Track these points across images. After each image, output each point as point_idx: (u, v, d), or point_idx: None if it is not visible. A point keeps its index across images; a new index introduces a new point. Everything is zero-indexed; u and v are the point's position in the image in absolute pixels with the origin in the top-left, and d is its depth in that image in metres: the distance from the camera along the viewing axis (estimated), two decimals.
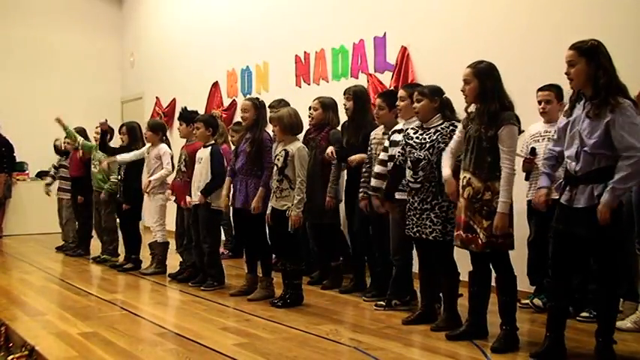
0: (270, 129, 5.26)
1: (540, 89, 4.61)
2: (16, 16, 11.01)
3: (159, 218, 6.42)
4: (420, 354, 3.73)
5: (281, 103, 6.14)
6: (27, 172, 10.63)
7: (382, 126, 4.93)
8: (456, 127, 4.03)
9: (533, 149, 4.59)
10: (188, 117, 6.01)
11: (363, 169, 5.03)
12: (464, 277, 4.09)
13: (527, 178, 4.68)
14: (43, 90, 10.90)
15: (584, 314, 4.27)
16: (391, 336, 4.03)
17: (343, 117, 5.63)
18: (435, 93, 4.23)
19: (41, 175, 10.66)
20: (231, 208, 5.76)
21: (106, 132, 7.03)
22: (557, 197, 3.49)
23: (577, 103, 3.35)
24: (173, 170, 6.24)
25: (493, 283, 3.91)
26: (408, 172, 4.23)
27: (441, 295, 4.30)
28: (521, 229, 4.69)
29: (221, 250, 6.32)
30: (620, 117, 3.15)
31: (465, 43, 5.65)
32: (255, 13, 8.53)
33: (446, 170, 3.96)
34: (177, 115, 6.84)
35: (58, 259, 7.71)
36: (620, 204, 3.27)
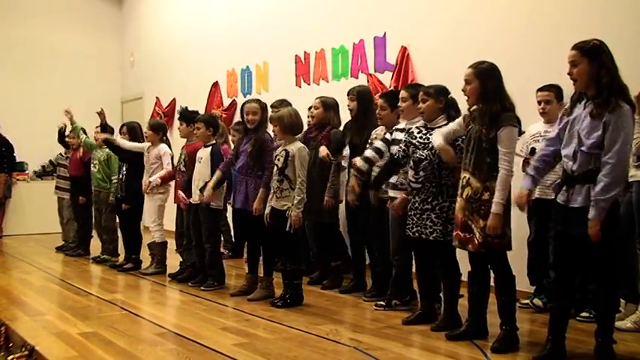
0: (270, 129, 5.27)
1: (540, 89, 4.61)
2: (16, 16, 11.01)
3: (157, 218, 6.42)
4: (420, 354, 3.73)
5: (283, 103, 6.13)
6: (27, 172, 10.63)
7: (383, 127, 4.92)
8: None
9: (533, 149, 4.58)
10: (188, 117, 6.01)
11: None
12: (464, 277, 4.08)
13: None
14: (43, 90, 10.90)
15: (584, 314, 4.26)
16: (391, 336, 4.03)
17: (344, 117, 5.63)
18: (441, 93, 4.21)
19: (41, 175, 10.69)
20: (230, 208, 5.75)
21: (104, 119, 6.98)
22: (553, 197, 3.50)
23: (578, 102, 3.35)
24: (173, 170, 6.24)
25: (492, 283, 3.92)
26: (410, 172, 4.23)
27: (441, 295, 4.31)
28: (521, 229, 4.70)
29: (221, 250, 6.31)
30: (615, 119, 3.15)
31: (465, 43, 5.65)
32: (255, 13, 8.53)
33: (438, 140, 3.98)
34: (177, 115, 6.83)
35: (58, 259, 7.71)
36: (616, 205, 3.26)
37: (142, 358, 3.65)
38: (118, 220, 7.06)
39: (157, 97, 10.73)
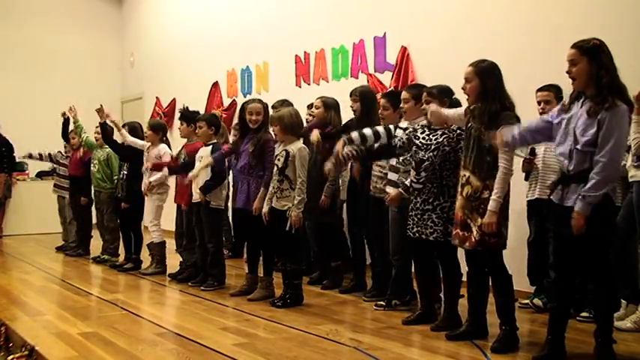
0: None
1: (540, 89, 4.60)
2: (16, 17, 11.01)
3: (154, 218, 6.42)
4: (420, 354, 3.73)
5: (284, 103, 6.12)
6: (27, 172, 10.63)
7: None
8: (464, 131, 3.95)
9: (532, 149, 4.58)
10: (189, 116, 6.00)
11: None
12: (464, 277, 4.08)
13: (526, 178, 4.68)
14: (43, 90, 10.90)
15: (584, 314, 4.26)
16: (391, 336, 4.03)
17: (345, 117, 5.63)
18: (445, 94, 4.20)
19: (41, 175, 10.68)
20: (230, 207, 5.75)
21: (104, 117, 6.93)
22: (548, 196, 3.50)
23: (576, 100, 3.34)
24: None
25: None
26: (412, 172, 4.23)
27: (441, 295, 4.31)
28: (521, 229, 4.70)
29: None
30: (610, 118, 3.14)
31: (465, 43, 5.65)
32: (255, 13, 8.53)
33: (434, 106, 4.00)
34: (177, 115, 6.82)
35: (58, 259, 7.71)
36: (609, 204, 3.26)
37: (141, 358, 3.65)
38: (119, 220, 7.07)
39: (156, 97, 10.73)
